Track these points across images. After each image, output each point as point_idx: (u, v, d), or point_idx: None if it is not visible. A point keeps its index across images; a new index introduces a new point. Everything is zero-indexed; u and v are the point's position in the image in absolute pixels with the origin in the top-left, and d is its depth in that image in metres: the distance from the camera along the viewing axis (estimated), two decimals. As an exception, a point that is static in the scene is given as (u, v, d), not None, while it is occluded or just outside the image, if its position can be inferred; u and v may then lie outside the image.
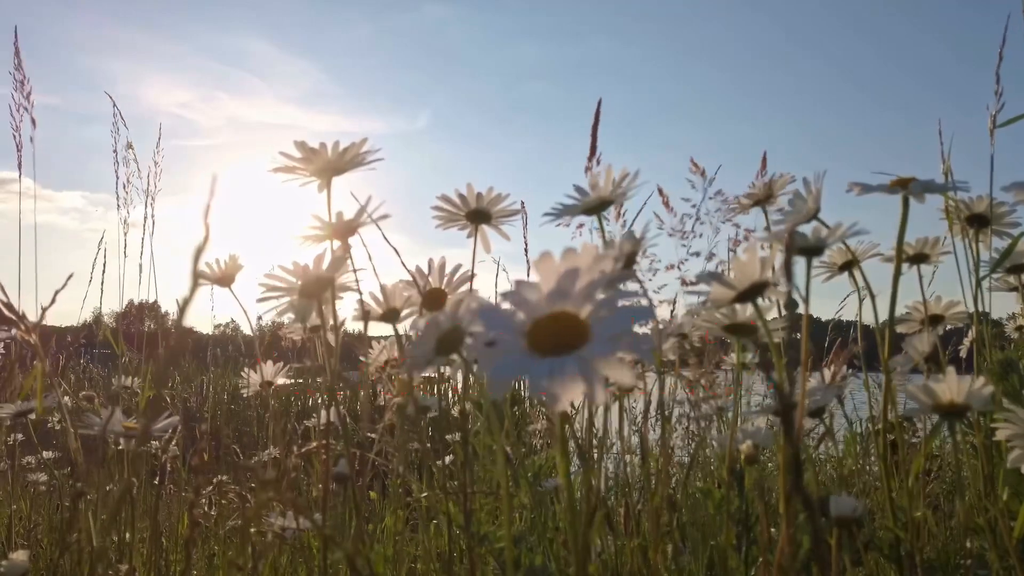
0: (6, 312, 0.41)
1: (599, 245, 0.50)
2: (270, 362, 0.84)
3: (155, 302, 2.35)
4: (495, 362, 0.30)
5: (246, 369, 0.83)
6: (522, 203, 1.92)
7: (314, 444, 0.64)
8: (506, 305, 0.32)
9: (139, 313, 2.88)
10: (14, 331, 1.10)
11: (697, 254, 1.55)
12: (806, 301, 0.44)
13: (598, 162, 1.30)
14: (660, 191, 1.59)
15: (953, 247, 0.72)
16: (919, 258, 0.69)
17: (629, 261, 0.49)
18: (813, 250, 0.48)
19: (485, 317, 0.32)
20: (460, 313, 0.41)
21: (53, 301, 0.53)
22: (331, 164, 0.53)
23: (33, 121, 1.68)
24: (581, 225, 0.57)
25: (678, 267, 1.53)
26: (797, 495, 0.20)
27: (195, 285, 0.36)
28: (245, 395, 0.89)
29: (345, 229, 0.53)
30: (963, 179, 0.56)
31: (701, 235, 1.55)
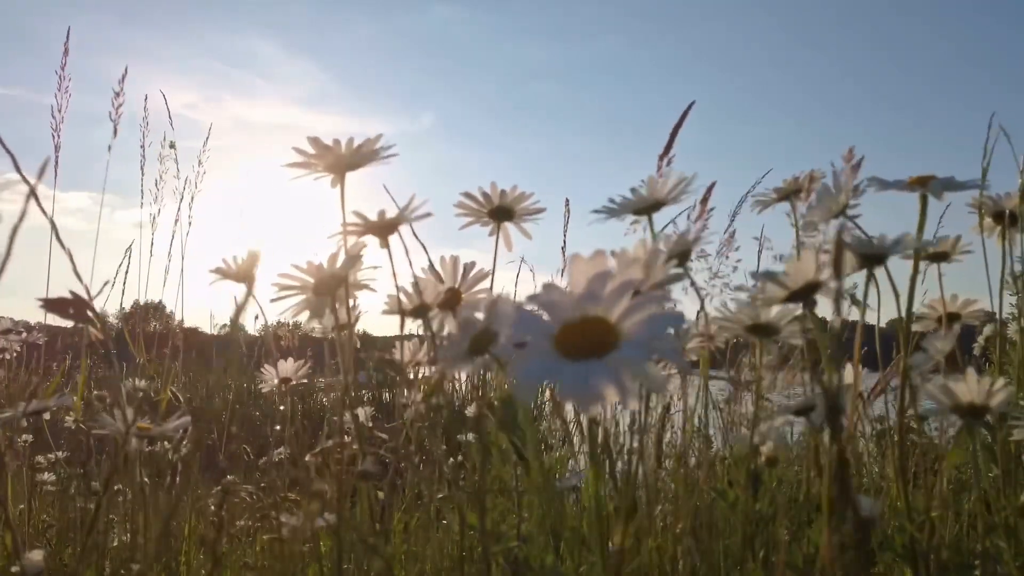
0: (88, 313, 0.41)
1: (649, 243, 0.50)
2: (290, 359, 0.84)
3: (160, 302, 2.35)
4: (524, 365, 0.29)
5: (266, 366, 0.83)
6: (566, 200, 1.91)
7: (329, 443, 0.64)
8: (532, 307, 0.31)
9: (144, 314, 2.88)
10: (25, 334, 1.10)
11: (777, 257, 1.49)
12: (862, 308, 0.43)
13: (669, 162, 1.30)
14: (811, 179, 1.53)
15: (983, 245, 0.72)
16: (939, 256, 0.69)
17: (682, 260, 0.50)
18: (875, 258, 0.48)
19: (521, 318, 0.31)
20: (494, 313, 0.41)
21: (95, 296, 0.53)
22: (345, 160, 0.53)
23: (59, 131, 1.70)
24: (636, 221, 0.57)
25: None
26: (843, 496, 0.20)
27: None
28: (264, 391, 0.89)
29: (386, 226, 0.53)
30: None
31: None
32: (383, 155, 0.57)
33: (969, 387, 0.50)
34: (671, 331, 0.28)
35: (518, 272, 1.93)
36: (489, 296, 0.44)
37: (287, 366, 0.86)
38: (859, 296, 0.45)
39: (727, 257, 1.66)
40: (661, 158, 1.29)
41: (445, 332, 0.61)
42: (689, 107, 1.34)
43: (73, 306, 0.41)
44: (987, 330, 0.99)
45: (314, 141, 0.55)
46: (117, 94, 1.94)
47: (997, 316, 0.77)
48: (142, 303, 2.43)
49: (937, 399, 0.51)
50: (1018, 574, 0.60)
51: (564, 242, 2.01)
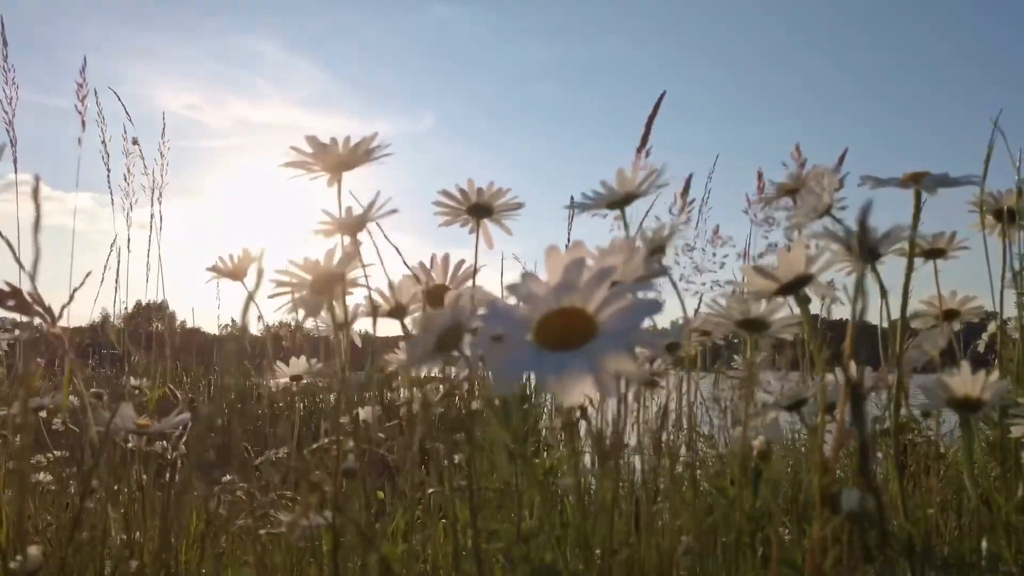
0: (36, 307, 0.40)
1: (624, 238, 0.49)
2: (303, 357, 0.84)
3: (162, 302, 2.36)
4: (502, 358, 0.29)
5: (278, 363, 0.84)
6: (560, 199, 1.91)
7: (326, 440, 0.64)
8: (512, 299, 0.31)
9: (146, 314, 2.89)
10: (18, 331, 1.10)
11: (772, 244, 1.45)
12: (854, 301, 0.43)
13: (647, 154, 1.30)
14: (759, 176, 1.50)
15: (984, 242, 0.72)
16: (934, 253, 0.69)
17: (656, 254, 0.49)
18: (868, 251, 0.47)
19: (491, 312, 0.31)
20: (460, 309, 0.41)
21: (71, 299, 0.53)
22: (342, 159, 0.53)
23: (12, 120, 1.72)
24: (618, 218, 0.57)
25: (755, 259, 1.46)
26: (865, 479, 0.20)
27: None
28: (273, 389, 0.90)
29: (355, 224, 0.53)
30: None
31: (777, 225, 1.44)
32: (379, 154, 0.57)
33: (964, 380, 0.50)
34: (648, 320, 0.27)
35: (501, 271, 1.91)
36: (455, 292, 0.44)
37: (299, 363, 0.86)
38: (849, 293, 0.45)
39: (714, 253, 1.66)
40: (639, 151, 1.29)
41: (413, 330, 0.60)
42: (661, 97, 1.34)
43: (12, 298, 0.39)
44: (991, 327, 0.99)
45: (311, 140, 0.55)
46: (126, 94, 1.95)
47: (999, 313, 0.77)
48: (144, 303, 2.44)
49: (932, 393, 0.51)
50: (1019, 573, 0.60)
51: (568, 239, 1.99)
